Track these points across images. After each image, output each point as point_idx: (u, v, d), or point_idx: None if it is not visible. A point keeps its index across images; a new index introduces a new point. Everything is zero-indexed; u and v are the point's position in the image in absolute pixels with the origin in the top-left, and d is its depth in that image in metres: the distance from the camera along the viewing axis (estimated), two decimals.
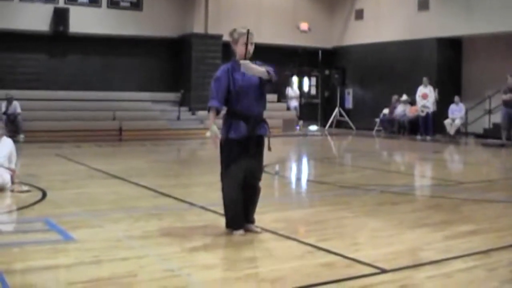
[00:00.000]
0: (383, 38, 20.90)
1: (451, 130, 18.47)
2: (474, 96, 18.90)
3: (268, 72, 5.30)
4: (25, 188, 7.68)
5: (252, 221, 5.53)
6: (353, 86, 22.64)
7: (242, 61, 5.29)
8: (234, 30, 5.47)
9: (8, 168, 7.78)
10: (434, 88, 18.70)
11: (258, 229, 5.50)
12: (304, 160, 13.50)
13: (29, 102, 16.94)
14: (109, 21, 18.84)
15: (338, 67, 22.83)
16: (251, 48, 5.36)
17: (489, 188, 8.86)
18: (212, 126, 5.36)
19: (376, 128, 20.73)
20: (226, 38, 21.95)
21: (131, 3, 19.28)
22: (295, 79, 23.18)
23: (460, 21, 18.40)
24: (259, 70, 5.30)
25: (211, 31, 19.63)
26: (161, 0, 19.64)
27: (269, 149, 5.56)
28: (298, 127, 20.96)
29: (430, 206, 7.28)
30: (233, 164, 5.32)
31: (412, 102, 19.34)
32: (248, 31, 5.31)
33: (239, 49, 5.38)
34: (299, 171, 11.61)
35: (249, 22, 20.59)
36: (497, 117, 17.34)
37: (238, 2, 20.76)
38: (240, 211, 5.39)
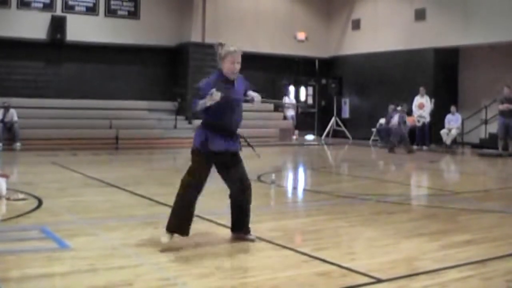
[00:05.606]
0: (380, 48, 20.96)
1: (447, 140, 18.47)
2: (471, 106, 18.95)
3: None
4: (21, 196, 7.67)
5: (245, 231, 5.52)
6: (350, 96, 22.68)
7: (256, 98, 5.40)
8: (221, 45, 5.26)
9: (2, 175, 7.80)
10: (431, 98, 18.74)
11: (252, 237, 5.50)
12: (301, 170, 13.49)
13: (26, 110, 16.95)
14: (106, 30, 18.87)
15: (335, 76, 22.89)
16: (237, 67, 5.25)
17: (485, 198, 8.89)
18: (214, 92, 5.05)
19: (372, 137, 20.75)
20: None
21: (128, 11, 19.32)
22: (292, 89, 23.21)
23: (457, 31, 18.47)
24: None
25: (209, 40, 19.63)
26: (158, 9, 19.69)
27: (258, 156, 5.61)
28: (294, 137, 20.96)
29: (426, 215, 7.28)
30: (199, 173, 5.31)
31: (409, 112, 19.35)
32: (235, 51, 5.19)
33: (226, 67, 5.23)
34: (296, 180, 11.60)
35: (247, 31, 20.78)
36: (493, 127, 17.38)
37: (236, 11, 20.82)
38: (190, 219, 5.26)
